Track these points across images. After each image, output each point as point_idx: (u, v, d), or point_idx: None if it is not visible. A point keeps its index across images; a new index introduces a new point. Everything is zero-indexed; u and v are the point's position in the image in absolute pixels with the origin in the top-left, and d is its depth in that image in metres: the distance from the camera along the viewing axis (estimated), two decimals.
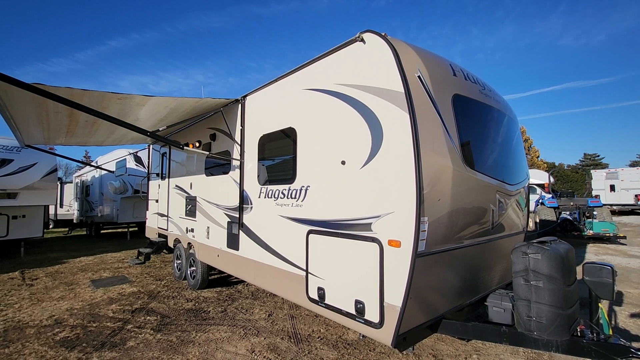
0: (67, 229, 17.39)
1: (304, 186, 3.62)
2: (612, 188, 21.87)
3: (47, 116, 4.92)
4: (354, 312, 2.91)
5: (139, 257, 8.02)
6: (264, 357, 3.62)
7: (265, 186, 4.26)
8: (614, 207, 20.70)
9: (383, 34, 2.90)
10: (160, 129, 5.29)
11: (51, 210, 17.82)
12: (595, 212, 11.31)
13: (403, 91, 2.66)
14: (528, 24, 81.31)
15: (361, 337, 3.90)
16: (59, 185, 17.62)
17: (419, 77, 2.79)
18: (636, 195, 20.66)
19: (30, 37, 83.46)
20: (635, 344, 3.48)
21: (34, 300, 5.70)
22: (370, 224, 2.83)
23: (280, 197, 3.95)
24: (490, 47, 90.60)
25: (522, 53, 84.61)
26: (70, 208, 18.11)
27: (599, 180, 22.71)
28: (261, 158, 4.44)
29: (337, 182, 3.21)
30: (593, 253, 9.16)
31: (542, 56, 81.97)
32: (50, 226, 18.40)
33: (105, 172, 12.57)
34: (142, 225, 13.57)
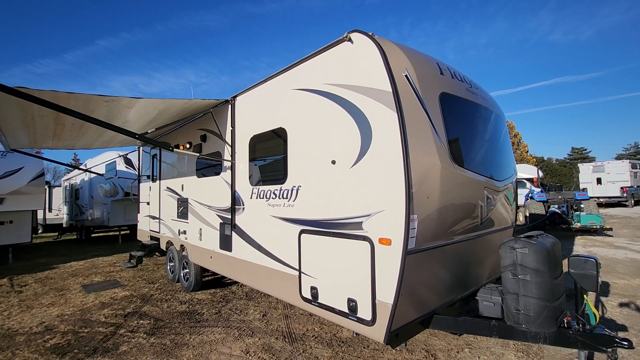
0: (56, 233, 17.08)
1: (295, 186, 3.63)
2: (599, 181, 22.33)
3: (32, 120, 4.83)
4: (346, 311, 2.94)
5: (131, 261, 7.93)
6: (259, 357, 3.63)
7: (257, 187, 4.25)
8: (601, 200, 21.14)
9: (370, 33, 2.92)
10: (150, 131, 5.24)
11: (40, 215, 17.47)
12: (582, 205, 11.54)
13: (391, 90, 2.69)
14: (519, 20, 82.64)
15: (355, 335, 3.94)
16: (47, 189, 17.31)
17: (406, 76, 2.82)
18: (622, 188, 21.13)
19: (16, 37, 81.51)
20: (620, 334, 3.59)
21: (23, 307, 5.61)
22: (361, 222, 2.85)
23: (272, 198, 3.95)
24: (482, 44, 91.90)
25: (514, 49, 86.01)
26: (59, 212, 17.79)
27: (586, 173, 23.16)
28: (252, 159, 4.43)
29: (328, 182, 3.23)
30: (581, 245, 9.36)
31: (533, 52, 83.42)
32: (39, 231, 18.02)
33: (95, 175, 12.38)
34: (133, 228, 13.41)
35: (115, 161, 12.63)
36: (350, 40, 3.04)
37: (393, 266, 2.60)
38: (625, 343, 2.32)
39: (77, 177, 15.28)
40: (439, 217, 2.88)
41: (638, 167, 23.58)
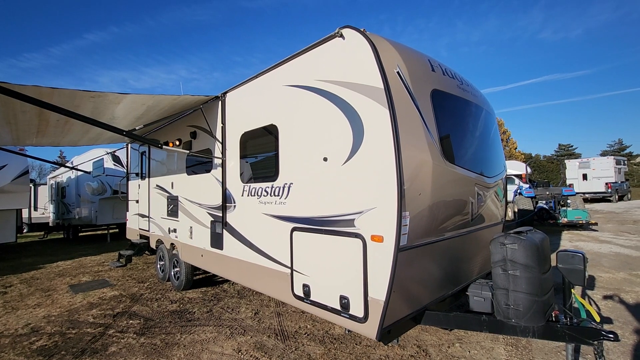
0: (42, 232, 16.70)
1: (287, 183, 3.60)
2: (585, 177, 22.84)
3: (14, 116, 4.68)
4: (339, 308, 2.93)
5: (120, 260, 7.80)
6: (251, 355, 3.61)
7: (248, 184, 4.21)
8: (587, 195, 21.64)
9: (362, 29, 2.90)
10: (138, 128, 5.13)
11: (25, 214, 17.06)
12: (569, 201, 11.79)
13: (383, 87, 2.67)
14: (511, 17, 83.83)
15: (347, 332, 3.95)
16: (32, 187, 16.88)
17: (398, 73, 2.81)
18: (606, 183, 21.66)
19: None
20: (606, 326, 3.67)
21: (8, 308, 5.47)
22: (353, 220, 2.85)
23: (264, 195, 3.92)
24: (474, 41, 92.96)
25: (505, 46, 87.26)
26: (45, 211, 17.40)
27: (572, 169, 23.66)
28: (243, 156, 4.38)
29: (320, 179, 3.21)
30: (567, 240, 9.57)
31: (524, 50, 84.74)
32: (24, 230, 17.62)
33: (82, 172, 12.12)
34: (122, 226, 13.18)
35: (102, 158, 12.39)
36: (341, 36, 3.01)
37: (385, 263, 2.60)
38: (611, 336, 2.37)
39: (64, 175, 14.93)
40: (431, 214, 2.90)
41: (622, 163, 24.25)
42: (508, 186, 7.27)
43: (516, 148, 44.78)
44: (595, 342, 2.43)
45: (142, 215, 7.53)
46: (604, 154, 45.45)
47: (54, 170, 18.29)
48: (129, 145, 8.47)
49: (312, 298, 3.22)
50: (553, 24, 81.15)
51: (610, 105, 79.83)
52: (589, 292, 5.22)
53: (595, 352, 2.46)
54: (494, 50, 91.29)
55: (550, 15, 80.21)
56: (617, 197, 21.92)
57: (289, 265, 3.49)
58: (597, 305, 4.70)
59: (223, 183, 4.66)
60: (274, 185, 3.77)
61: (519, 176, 17.22)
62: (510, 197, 13.64)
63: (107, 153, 12.55)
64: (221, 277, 6.32)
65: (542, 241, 2.80)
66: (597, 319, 2.63)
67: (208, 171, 5.06)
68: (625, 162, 26.23)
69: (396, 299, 2.65)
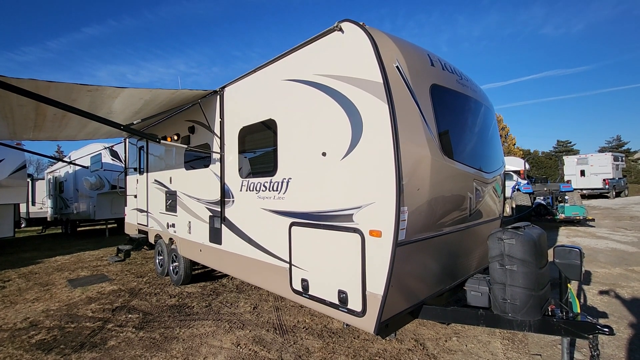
0: (40, 227, 16.67)
1: (285, 178, 3.60)
2: (582, 173, 22.90)
3: (10, 110, 4.64)
4: (337, 302, 2.95)
5: (119, 255, 7.80)
6: (250, 349, 3.63)
7: (247, 179, 4.21)
8: (584, 191, 21.72)
9: (361, 23, 2.88)
10: (135, 122, 5.10)
11: (22, 209, 17.02)
12: (566, 197, 11.84)
13: (382, 82, 2.66)
14: (512, 12, 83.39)
15: (345, 326, 3.97)
16: (30, 182, 16.83)
17: (397, 67, 2.79)
18: (604, 180, 21.73)
19: None
20: (601, 321, 3.70)
21: (6, 302, 5.47)
22: (352, 214, 2.85)
23: (262, 190, 3.91)
24: (475, 36, 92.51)
25: (506, 42, 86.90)
26: (43, 206, 17.36)
27: (570, 165, 23.71)
28: (242, 151, 4.37)
29: (319, 174, 3.20)
30: (564, 235, 9.62)
31: (524, 45, 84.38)
32: (22, 225, 17.60)
33: (80, 167, 12.07)
34: (120, 221, 13.19)
35: (100, 153, 12.33)
36: (340, 29, 2.99)
37: (383, 258, 2.61)
38: (607, 330, 2.39)
39: (61, 170, 14.88)
40: (429, 209, 2.90)
41: (620, 159, 24.30)
42: (506, 182, 7.29)
43: (515, 144, 44.76)
44: (591, 336, 2.45)
45: (141, 210, 7.52)
46: (602, 150, 45.48)
47: (52, 165, 18.20)
48: (127, 140, 8.43)
49: (310, 292, 3.23)
50: (554, 19, 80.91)
51: (609, 101, 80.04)
52: (585, 287, 5.26)
53: (591, 346, 2.49)
54: (495, 46, 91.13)
55: (552, 11, 79.98)
56: (614, 193, 22.01)
57: (288, 260, 3.49)
58: (585, 298, 4.74)
59: (222, 178, 4.65)
60: (272, 180, 3.76)
61: (517, 172, 17.26)
62: (508, 193, 13.69)
63: (105, 148, 12.50)
64: (220, 272, 6.34)
65: (540, 236, 2.82)
66: (578, 309, 2.67)
67: (206, 166, 5.05)
68: (623, 158, 26.31)
69: (394, 293, 2.66)
